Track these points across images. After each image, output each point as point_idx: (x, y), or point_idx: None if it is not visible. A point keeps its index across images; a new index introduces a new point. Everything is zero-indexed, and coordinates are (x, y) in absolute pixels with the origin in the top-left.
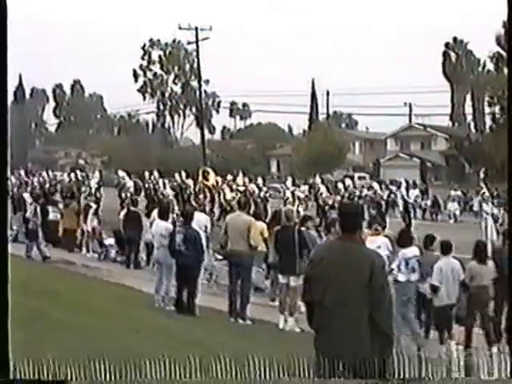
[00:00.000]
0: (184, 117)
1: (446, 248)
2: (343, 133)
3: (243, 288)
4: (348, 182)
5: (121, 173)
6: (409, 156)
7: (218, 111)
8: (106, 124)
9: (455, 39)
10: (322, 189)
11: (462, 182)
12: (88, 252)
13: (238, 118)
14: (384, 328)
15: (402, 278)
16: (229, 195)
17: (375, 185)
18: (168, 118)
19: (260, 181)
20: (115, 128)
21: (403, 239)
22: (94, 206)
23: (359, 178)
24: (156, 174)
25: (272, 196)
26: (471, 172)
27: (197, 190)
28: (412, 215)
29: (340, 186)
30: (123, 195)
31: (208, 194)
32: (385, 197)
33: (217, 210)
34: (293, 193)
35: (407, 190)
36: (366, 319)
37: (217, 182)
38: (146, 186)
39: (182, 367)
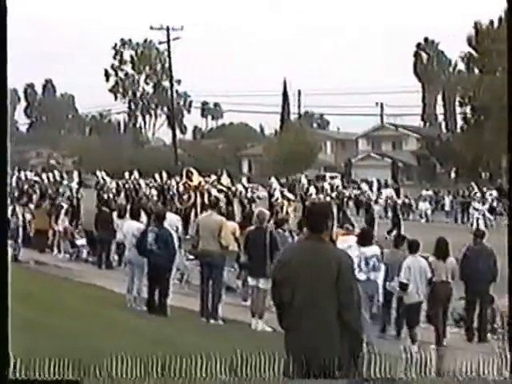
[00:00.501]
0: (155, 117)
1: (413, 247)
2: (315, 133)
3: (215, 288)
4: (337, 182)
5: (99, 173)
6: (380, 156)
7: (189, 111)
8: (77, 124)
9: (426, 40)
10: (311, 189)
11: (433, 182)
12: (59, 252)
13: (209, 117)
14: (353, 327)
15: (362, 276)
16: (213, 197)
17: (364, 186)
18: (139, 118)
19: (244, 181)
20: (87, 128)
21: (364, 238)
22: (65, 206)
23: (331, 177)
24: (136, 174)
25: (259, 197)
26: (442, 172)
27: (181, 190)
28: (383, 215)
29: (327, 186)
30: (105, 196)
31: (192, 195)
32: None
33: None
34: (282, 193)
35: (371, 189)
36: (335, 318)
37: (200, 183)
38: (127, 186)
39: (153, 366)
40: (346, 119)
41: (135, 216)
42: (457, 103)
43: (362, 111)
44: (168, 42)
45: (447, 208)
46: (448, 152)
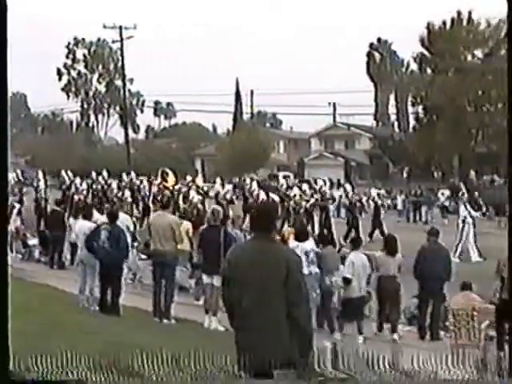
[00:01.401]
0: (108, 116)
1: (356, 243)
2: (267, 132)
3: (167, 287)
4: (321, 182)
5: (64, 173)
6: (333, 155)
7: (142, 110)
8: (29, 123)
9: (379, 40)
10: (295, 190)
11: (385, 181)
12: (11, 252)
13: (162, 117)
14: (302, 323)
15: (305, 270)
16: (196, 198)
17: (347, 186)
18: (92, 117)
19: (218, 181)
20: (39, 127)
21: (300, 234)
22: (17, 205)
23: (284, 177)
24: (105, 174)
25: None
26: (395, 171)
27: (155, 191)
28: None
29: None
30: (75, 196)
31: (167, 197)
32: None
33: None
34: (267, 194)
35: (304, 187)
36: (285, 317)
37: (175, 184)
38: (94, 186)
39: (105, 366)
40: (299, 119)
41: (88, 216)
42: (409, 103)
43: (314, 110)
44: (121, 40)
45: (399, 207)
46: (400, 151)
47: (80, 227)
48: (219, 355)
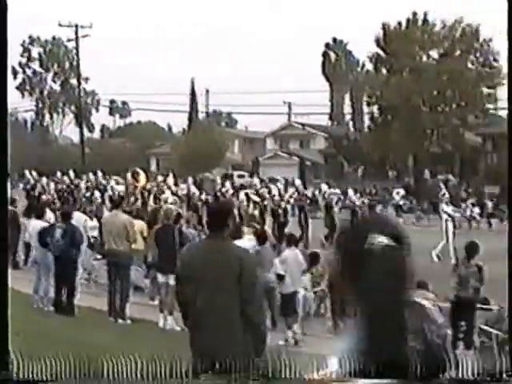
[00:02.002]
0: (63, 115)
1: (292, 240)
2: (222, 131)
3: (122, 287)
4: (298, 182)
5: (28, 173)
6: (288, 154)
7: (97, 109)
8: None
9: (335, 40)
10: (274, 191)
11: (340, 180)
12: None
13: (117, 116)
14: (257, 322)
15: None
16: (171, 199)
17: (325, 187)
18: (47, 116)
19: (190, 181)
20: None
21: (236, 233)
22: None
23: (238, 176)
24: (72, 174)
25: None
26: (350, 170)
27: (122, 190)
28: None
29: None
30: (42, 196)
31: (139, 197)
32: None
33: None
34: (247, 195)
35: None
36: (239, 315)
37: (146, 184)
38: (60, 186)
39: (60, 367)
40: (254, 118)
41: (41, 215)
42: (364, 103)
43: (269, 110)
44: (76, 39)
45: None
46: (355, 151)
47: (34, 226)
48: (174, 355)
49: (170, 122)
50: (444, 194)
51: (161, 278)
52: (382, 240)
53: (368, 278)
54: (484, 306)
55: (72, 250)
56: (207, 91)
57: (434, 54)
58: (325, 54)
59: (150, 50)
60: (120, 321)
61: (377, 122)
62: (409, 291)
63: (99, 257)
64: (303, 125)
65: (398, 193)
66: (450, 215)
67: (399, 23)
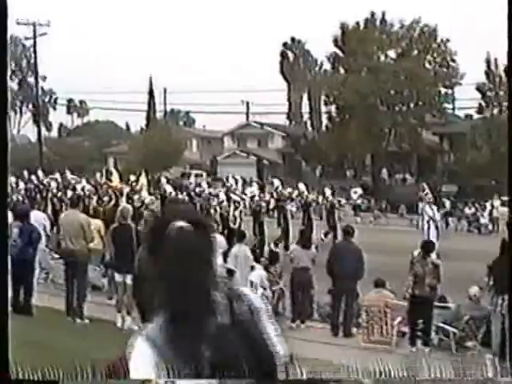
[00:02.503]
0: (21, 114)
1: (239, 236)
2: (180, 130)
3: (79, 287)
4: (277, 183)
5: None
6: (246, 154)
7: (55, 108)
8: None
9: (293, 39)
10: (255, 191)
11: (298, 180)
12: None
13: (75, 115)
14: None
15: None
16: (148, 199)
17: (277, 182)
18: None
19: (163, 180)
20: None
21: None
22: None
23: (196, 175)
24: (40, 173)
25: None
26: (308, 169)
27: (98, 191)
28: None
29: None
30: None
31: (113, 197)
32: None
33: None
34: (227, 195)
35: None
36: None
37: (120, 183)
38: (28, 186)
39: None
40: (212, 117)
41: None
42: (322, 102)
43: (227, 109)
44: (34, 37)
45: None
46: (313, 150)
47: None
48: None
49: (129, 121)
50: (427, 194)
51: (118, 277)
52: (181, 224)
53: (167, 259)
54: (441, 304)
55: (29, 250)
56: (165, 90)
57: (392, 53)
58: (283, 54)
59: (109, 49)
60: (78, 320)
61: (335, 121)
62: (208, 272)
63: (57, 256)
64: (261, 124)
65: (355, 192)
66: (431, 217)
67: (357, 23)
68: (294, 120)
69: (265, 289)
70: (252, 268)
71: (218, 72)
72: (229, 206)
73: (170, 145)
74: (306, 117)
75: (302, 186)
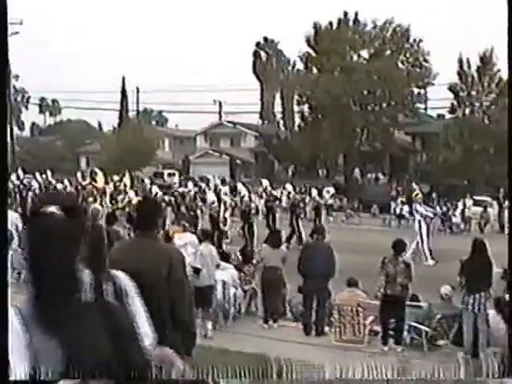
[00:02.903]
0: None
1: (204, 235)
2: (153, 130)
3: None
4: (266, 183)
5: None
6: (218, 153)
7: (27, 107)
8: None
9: (266, 39)
10: (243, 192)
11: (271, 179)
12: None
13: (47, 114)
14: (186, 321)
15: None
16: (135, 200)
17: (288, 186)
18: None
19: (148, 181)
20: None
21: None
22: None
23: (169, 174)
24: (20, 172)
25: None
26: (280, 169)
27: (85, 192)
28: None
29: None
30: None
31: (98, 197)
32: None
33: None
34: (218, 196)
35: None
36: (168, 315)
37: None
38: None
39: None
40: (185, 117)
41: None
42: (295, 102)
43: (200, 109)
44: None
45: (284, 204)
46: (286, 149)
47: None
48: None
49: (101, 121)
50: (417, 195)
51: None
52: (52, 209)
53: (32, 241)
54: (413, 303)
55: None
56: (138, 89)
57: (365, 53)
58: (256, 53)
59: (82, 49)
60: None
61: (307, 121)
62: (73, 253)
63: None
64: (234, 123)
65: (328, 191)
66: (422, 215)
67: (330, 23)
68: (267, 119)
69: (236, 288)
70: (218, 266)
71: (190, 71)
72: (219, 206)
73: (143, 144)
74: (278, 116)
75: (288, 187)
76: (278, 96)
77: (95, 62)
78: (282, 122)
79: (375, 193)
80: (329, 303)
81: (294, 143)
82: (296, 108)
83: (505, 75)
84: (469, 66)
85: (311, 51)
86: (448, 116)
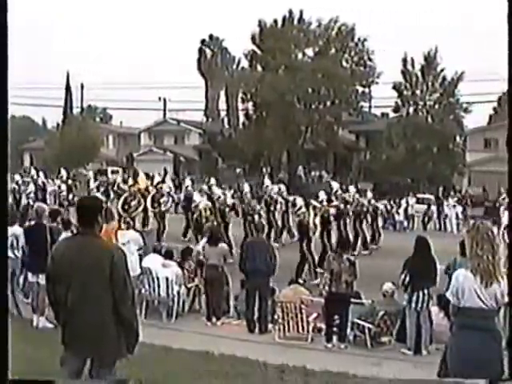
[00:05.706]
0: None
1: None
2: (97, 126)
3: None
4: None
5: None
6: (162, 150)
7: None
8: None
9: (211, 36)
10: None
11: (215, 176)
12: None
13: None
14: (129, 319)
15: None
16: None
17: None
18: None
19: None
20: None
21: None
22: None
23: (112, 171)
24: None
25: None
26: (224, 166)
27: (127, 195)
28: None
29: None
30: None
31: (142, 201)
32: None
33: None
34: (209, 197)
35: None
36: (111, 312)
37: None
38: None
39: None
40: (129, 114)
41: None
42: (239, 99)
43: (145, 106)
44: None
45: (228, 202)
46: (230, 147)
47: None
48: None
49: (45, 117)
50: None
51: (31, 277)
52: None
53: None
54: (356, 301)
55: None
56: (82, 86)
57: (310, 52)
58: (200, 51)
59: (25, 44)
60: None
61: (251, 118)
62: None
63: None
64: (178, 121)
65: (271, 189)
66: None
67: (275, 21)
68: (211, 117)
69: (180, 286)
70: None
71: (135, 68)
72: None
73: (87, 141)
74: (223, 114)
75: (266, 181)
76: (222, 94)
77: (39, 57)
78: (226, 120)
79: (318, 190)
80: (272, 300)
81: (239, 141)
82: (240, 106)
83: (449, 75)
84: (413, 66)
85: (256, 49)
86: (392, 115)
